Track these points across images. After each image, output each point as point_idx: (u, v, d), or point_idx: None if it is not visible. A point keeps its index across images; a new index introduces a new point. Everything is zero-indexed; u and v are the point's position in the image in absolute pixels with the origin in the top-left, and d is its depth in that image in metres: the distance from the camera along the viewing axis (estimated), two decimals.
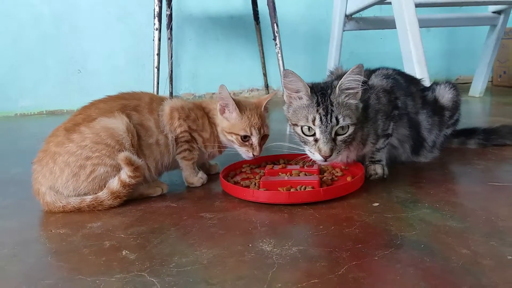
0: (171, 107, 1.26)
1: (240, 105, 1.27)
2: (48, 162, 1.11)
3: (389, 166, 1.29)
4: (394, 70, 1.38)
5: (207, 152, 1.32)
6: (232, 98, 1.24)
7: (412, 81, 1.42)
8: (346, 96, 1.09)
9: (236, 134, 1.26)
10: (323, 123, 1.07)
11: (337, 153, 1.09)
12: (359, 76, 1.07)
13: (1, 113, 3.23)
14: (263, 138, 1.29)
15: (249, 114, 1.26)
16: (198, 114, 1.30)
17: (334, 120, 1.07)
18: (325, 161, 1.09)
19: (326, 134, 1.07)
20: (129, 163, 1.08)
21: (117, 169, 1.12)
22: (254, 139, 1.26)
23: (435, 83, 1.45)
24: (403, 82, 1.33)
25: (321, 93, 1.10)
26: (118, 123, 1.14)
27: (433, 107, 1.37)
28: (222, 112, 1.28)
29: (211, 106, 1.34)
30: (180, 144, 1.26)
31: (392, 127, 1.24)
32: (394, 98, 1.23)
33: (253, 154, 1.26)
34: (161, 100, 1.30)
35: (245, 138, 1.26)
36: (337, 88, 1.08)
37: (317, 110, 1.07)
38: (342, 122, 1.07)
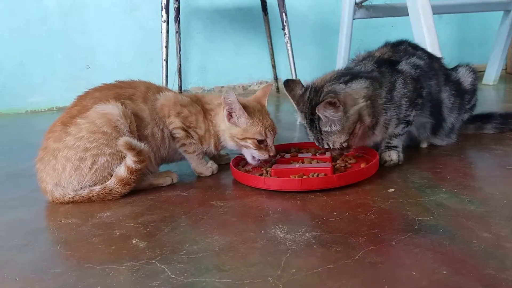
0: (162, 104, 1.21)
1: (248, 108, 1.19)
2: (50, 160, 1.09)
3: (404, 150, 1.26)
4: (413, 44, 1.36)
5: (203, 148, 1.26)
6: (239, 102, 1.16)
7: (435, 58, 1.40)
8: (331, 124, 1.09)
9: (251, 139, 1.17)
10: (319, 144, 1.16)
11: (349, 150, 1.16)
12: (331, 110, 1.05)
13: (12, 110, 3.24)
14: None
15: (259, 115, 1.20)
16: (192, 110, 1.24)
17: (326, 145, 1.14)
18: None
19: (327, 149, 1.17)
20: (130, 147, 1.05)
21: (118, 157, 1.10)
22: (270, 141, 1.19)
23: (459, 65, 1.43)
24: (426, 58, 1.31)
25: (310, 119, 1.13)
26: (113, 108, 1.11)
27: (456, 88, 1.35)
28: (229, 118, 1.19)
29: (215, 102, 1.28)
30: (176, 139, 1.23)
31: (414, 116, 1.21)
32: (420, 87, 1.21)
33: (269, 155, 1.18)
34: (158, 90, 1.25)
35: (261, 141, 1.18)
36: (322, 117, 1.08)
37: (311, 136, 1.16)
38: (332, 146, 1.13)
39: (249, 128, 1.18)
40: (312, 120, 1.12)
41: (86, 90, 1.22)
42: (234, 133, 1.20)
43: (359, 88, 1.11)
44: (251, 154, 1.20)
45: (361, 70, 1.21)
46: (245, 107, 1.18)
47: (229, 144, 1.24)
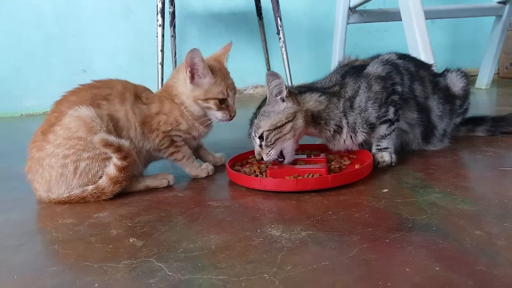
0: (142, 122, 1.19)
1: (212, 67, 1.19)
2: (37, 169, 1.10)
3: (398, 153, 1.28)
4: (400, 55, 1.35)
5: (193, 135, 1.27)
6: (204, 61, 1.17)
7: (423, 65, 1.41)
8: (270, 105, 1.17)
9: (213, 99, 1.19)
10: (249, 130, 1.23)
11: (267, 154, 1.17)
12: (275, 82, 1.14)
13: (6, 114, 3.24)
14: None
15: (220, 74, 1.20)
16: (165, 110, 1.22)
17: (252, 131, 1.20)
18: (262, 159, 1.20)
19: (253, 144, 1.21)
20: (107, 144, 1.04)
21: (99, 159, 1.09)
22: (231, 100, 1.23)
23: (447, 70, 1.43)
24: (411, 67, 1.31)
25: (257, 106, 1.24)
26: (86, 110, 1.09)
27: (445, 95, 1.36)
28: (192, 80, 1.18)
29: (178, 88, 1.24)
30: (163, 150, 1.23)
31: (394, 112, 1.22)
32: (391, 84, 1.22)
33: (230, 116, 1.23)
34: (135, 90, 1.22)
35: (223, 101, 1.21)
36: (267, 94, 1.17)
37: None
38: (253, 133, 1.19)
39: (211, 88, 1.19)
40: (259, 107, 1.23)
41: (63, 93, 1.20)
42: (196, 94, 1.20)
43: (310, 98, 1.20)
44: (215, 117, 1.23)
45: (323, 85, 1.27)
46: (209, 66, 1.18)
47: (195, 109, 1.23)
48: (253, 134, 1.19)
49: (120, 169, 1.08)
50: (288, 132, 1.15)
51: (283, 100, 1.16)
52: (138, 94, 1.23)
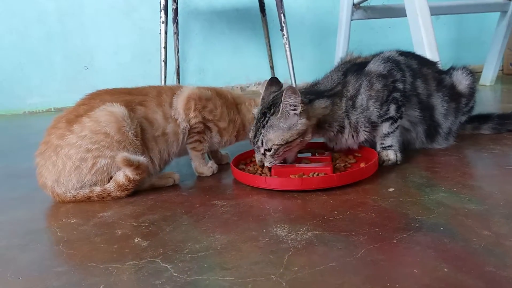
0: (188, 97, 1.23)
1: None
2: (51, 155, 1.08)
3: (402, 152, 1.27)
4: (402, 52, 1.34)
5: (223, 139, 1.30)
6: None
7: (427, 63, 1.39)
8: (283, 119, 1.11)
9: None
10: (251, 142, 1.17)
11: (270, 162, 1.15)
12: (294, 99, 1.08)
13: (10, 111, 3.24)
14: None
15: None
16: (217, 103, 1.27)
17: (259, 142, 1.14)
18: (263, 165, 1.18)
19: (256, 150, 1.17)
20: (128, 164, 1.05)
21: None
22: None
23: (452, 68, 1.42)
24: (413, 64, 1.30)
25: (263, 112, 1.15)
26: (119, 109, 1.11)
27: (450, 93, 1.34)
28: None
29: (243, 99, 1.36)
30: (191, 134, 1.24)
31: (395, 109, 1.21)
32: (392, 82, 1.20)
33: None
34: (172, 90, 1.26)
35: None
36: (281, 108, 1.10)
37: (251, 129, 1.18)
38: (263, 146, 1.13)
39: None
40: (265, 113, 1.15)
41: (97, 91, 1.22)
42: None
43: (318, 107, 1.16)
44: None
45: (326, 88, 1.23)
46: None
47: None
48: (259, 143, 1.14)
49: (129, 180, 1.08)
50: (296, 145, 1.14)
51: (296, 114, 1.11)
52: (174, 90, 1.27)
